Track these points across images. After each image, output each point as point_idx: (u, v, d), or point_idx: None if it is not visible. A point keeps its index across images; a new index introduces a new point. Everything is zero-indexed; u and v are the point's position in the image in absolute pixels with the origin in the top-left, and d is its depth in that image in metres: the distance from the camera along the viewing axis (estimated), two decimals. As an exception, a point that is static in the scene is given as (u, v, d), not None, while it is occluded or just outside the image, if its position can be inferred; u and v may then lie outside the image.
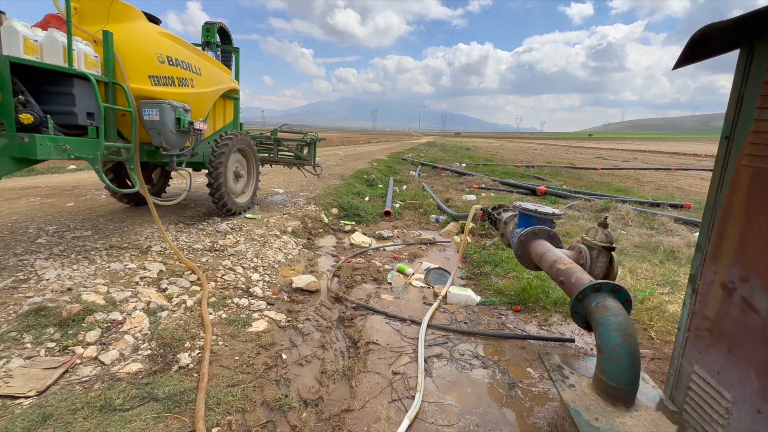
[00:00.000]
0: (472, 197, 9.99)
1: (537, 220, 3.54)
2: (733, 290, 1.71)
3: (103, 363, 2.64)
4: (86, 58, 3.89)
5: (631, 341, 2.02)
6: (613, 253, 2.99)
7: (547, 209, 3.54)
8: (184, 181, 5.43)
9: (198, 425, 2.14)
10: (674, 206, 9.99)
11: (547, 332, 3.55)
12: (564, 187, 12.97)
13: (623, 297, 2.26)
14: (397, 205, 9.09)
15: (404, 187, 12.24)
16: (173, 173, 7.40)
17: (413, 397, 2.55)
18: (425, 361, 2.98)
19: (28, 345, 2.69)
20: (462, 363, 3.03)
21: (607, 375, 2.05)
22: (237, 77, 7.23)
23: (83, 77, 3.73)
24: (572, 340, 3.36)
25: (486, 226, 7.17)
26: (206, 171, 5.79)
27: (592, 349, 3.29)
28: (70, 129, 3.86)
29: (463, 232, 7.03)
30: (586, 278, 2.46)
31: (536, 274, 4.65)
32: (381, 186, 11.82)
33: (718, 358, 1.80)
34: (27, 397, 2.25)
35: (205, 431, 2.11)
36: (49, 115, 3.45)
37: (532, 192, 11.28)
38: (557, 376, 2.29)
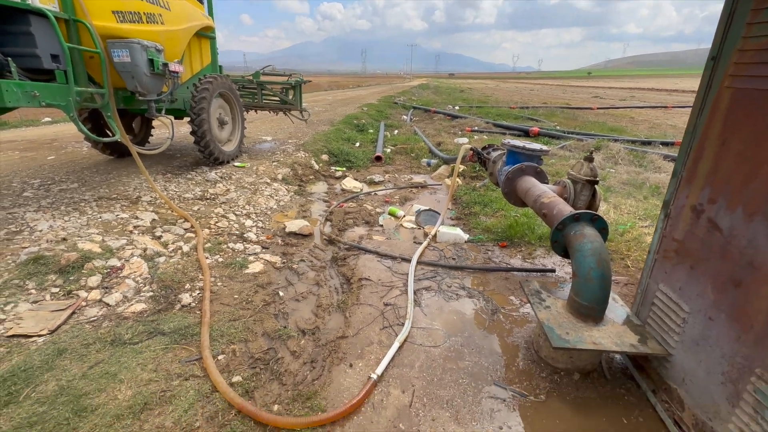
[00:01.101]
0: (464, 140, 9.85)
1: (524, 156, 3.55)
2: (702, 212, 1.80)
3: (108, 304, 2.77)
4: (40, -9, 3.54)
5: (604, 265, 2.16)
6: (596, 186, 3.06)
7: (535, 146, 3.54)
8: (167, 131, 5.26)
9: (204, 353, 2.32)
10: (665, 144, 9.98)
11: (530, 264, 3.74)
12: (558, 127, 12.79)
13: (600, 225, 2.37)
14: (389, 150, 8.97)
15: (395, 131, 11.98)
16: (155, 122, 7.13)
17: (403, 324, 2.75)
18: (414, 293, 3.17)
19: (33, 291, 2.80)
20: (449, 294, 3.23)
21: (580, 296, 2.22)
22: (211, 14, 6.66)
23: (40, 14, 3.43)
24: (553, 270, 3.57)
25: (477, 169, 7.18)
26: (188, 118, 5.58)
27: (571, 278, 3.51)
28: (36, 74, 3.63)
29: (453, 176, 7.06)
30: (567, 209, 2.55)
31: (523, 212, 4.78)
32: (372, 131, 11.55)
33: (682, 275, 1.95)
34: (40, 336, 2.39)
35: (212, 358, 2.29)
36: (10, 58, 3.23)
37: (525, 133, 11.13)
38: (535, 299, 2.48)
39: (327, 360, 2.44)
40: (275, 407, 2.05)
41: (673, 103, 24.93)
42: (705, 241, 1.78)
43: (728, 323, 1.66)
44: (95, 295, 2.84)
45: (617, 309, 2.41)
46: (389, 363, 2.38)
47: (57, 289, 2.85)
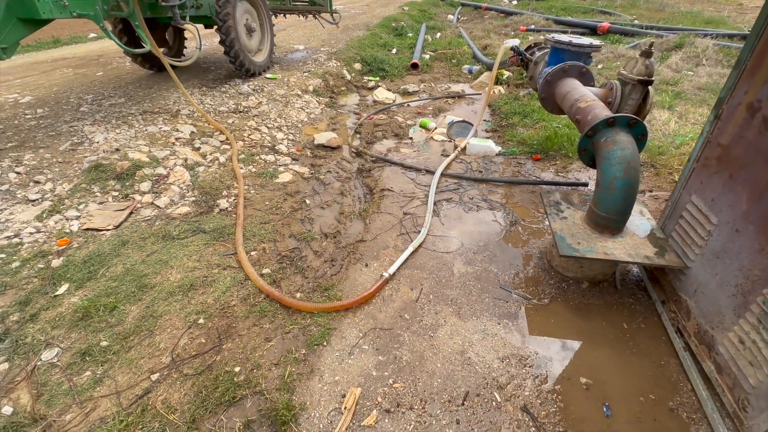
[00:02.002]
0: (515, 42, 8.66)
1: (570, 54, 3.10)
2: (758, 110, 1.53)
3: (158, 206, 3.14)
4: None
5: (631, 175, 1.99)
6: (650, 87, 2.66)
7: (584, 40, 3.05)
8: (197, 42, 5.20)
9: (239, 249, 2.64)
10: (774, 37, 8.05)
11: (562, 178, 3.55)
12: (635, 21, 10.71)
13: (639, 131, 2.12)
14: (427, 56, 8.23)
15: (438, 35, 10.79)
16: (187, 33, 7.02)
17: (419, 232, 2.86)
18: (435, 203, 3.21)
19: (98, 194, 3.23)
20: (470, 205, 3.23)
21: (599, 206, 2.12)
22: None
23: None
24: (585, 184, 3.36)
25: (524, 75, 6.44)
26: (215, 26, 5.41)
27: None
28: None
29: (497, 83, 6.43)
30: (603, 114, 2.29)
31: (566, 122, 4.37)
32: (411, 35, 10.51)
33: (717, 185, 1.76)
34: (107, 230, 2.83)
35: (245, 253, 2.61)
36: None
37: (592, 31, 9.51)
38: (552, 210, 2.41)
39: (345, 260, 2.66)
40: (298, 295, 2.36)
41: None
42: (753, 145, 1.55)
43: (755, 235, 1.53)
44: (148, 198, 3.22)
45: (643, 222, 2.29)
46: (402, 265, 2.55)
47: (117, 193, 3.25)
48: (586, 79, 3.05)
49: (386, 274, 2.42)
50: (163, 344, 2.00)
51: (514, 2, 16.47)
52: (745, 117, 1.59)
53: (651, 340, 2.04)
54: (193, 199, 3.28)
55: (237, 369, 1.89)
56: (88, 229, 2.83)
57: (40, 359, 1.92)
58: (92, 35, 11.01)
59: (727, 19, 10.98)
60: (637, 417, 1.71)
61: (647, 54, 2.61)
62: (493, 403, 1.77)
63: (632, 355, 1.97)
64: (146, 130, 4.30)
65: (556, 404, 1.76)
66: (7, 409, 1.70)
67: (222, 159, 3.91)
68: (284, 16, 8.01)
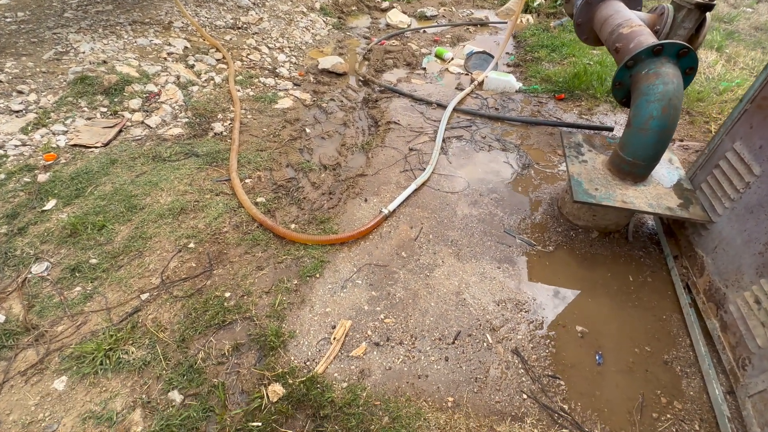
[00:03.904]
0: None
1: (618, -30, 2.62)
2: None
3: (149, 126, 2.95)
4: None
5: (670, 114, 1.74)
6: (707, 14, 2.27)
7: (639, -49, 2.55)
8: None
9: (232, 175, 2.50)
10: None
11: (586, 121, 3.24)
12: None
13: (688, 64, 1.82)
14: (450, -24, 7.26)
15: (465, -50, 9.46)
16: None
17: (424, 169, 2.68)
18: (444, 140, 2.98)
19: (85, 109, 3.02)
20: (481, 144, 2.99)
21: (626, 149, 1.91)
22: None
23: None
24: (611, 129, 3.08)
25: (558, 3, 5.71)
26: None
27: (630, 140, 3.03)
28: None
29: (527, 12, 5.74)
30: (648, 42, 1.96)
31: (599, 59, 3.92)
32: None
33: (771, 130, 1.52)
34: (96, 147, 2.68)
35: (239, 180, 2.47)
36: None
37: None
38: (572, 152, 2.19)
39: (344, 193, 2.53)
40: (292, 226, 2.26)
41: None
42: (829, 82, 1.29)
43: (804, 188, 1.34)
44: (138, 117, 3.01)
45: (670, 171, 2.08)
46: (403, 202, 2.42)
47: (105, 109, 3.04)
48: (633, 3, 2.62)
49: (385, 211, 2.30)
50: (153, 265, 1.96)
51: None
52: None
53: (655, 294, 1.96)
54: (186, 120, 3.07)
55: (227, 294, 1.86)
56: (75, 145, 2.68)
57: (30, 272, 1.90)
58: (77, -69, 9.79)
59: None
60: (629, 367, 1.68)
61: (713, -29, 2.18)
62: (484, 344, 1.74)
63: (634, 308, 1.90)
64: (136, 42, 3.94)
65: (548, 349, 1.73)
66: (0, 317, 1.71)
67: (218, 79, 3.61)
68: None
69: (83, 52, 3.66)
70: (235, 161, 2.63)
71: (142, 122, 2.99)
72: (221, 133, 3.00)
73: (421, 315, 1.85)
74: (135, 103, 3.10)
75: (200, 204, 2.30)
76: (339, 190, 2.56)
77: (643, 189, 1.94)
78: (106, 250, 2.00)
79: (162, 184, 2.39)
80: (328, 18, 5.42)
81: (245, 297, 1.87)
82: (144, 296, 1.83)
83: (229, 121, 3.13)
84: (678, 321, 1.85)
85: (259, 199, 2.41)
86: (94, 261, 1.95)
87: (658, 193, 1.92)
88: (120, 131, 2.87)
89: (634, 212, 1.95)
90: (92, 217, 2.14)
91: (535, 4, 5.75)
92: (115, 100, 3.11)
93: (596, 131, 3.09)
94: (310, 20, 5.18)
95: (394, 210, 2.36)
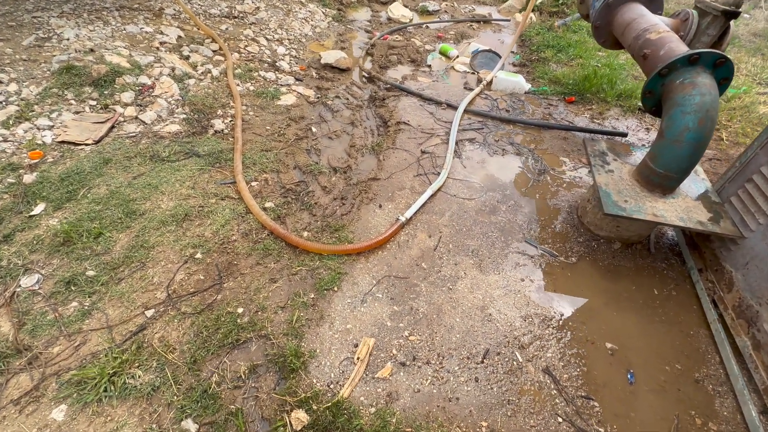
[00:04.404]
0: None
1: (640, -28, 2.56)
2: None
3: (144, 122, 2.75)
4: None
5: (707, 126, 1.69)
6: (732, 22, 2.23)
7: (663, -46, 2.49)
8: None
9: (238, 177, 2.34)
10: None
11: (598, 125, 3.20)
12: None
13: (723, 74, 1.77)
14: (450, -30, 7.12)
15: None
16: None
17: (439, 174, 2.58)
18: (456, 143, 2.89)
19: (73, 101, 2.79)
20: (495, 148, 2.91)
21: (658, 161, 1.85)
22: None
23: None
24: (624, 134, 3.04)
25: (559, 2, 5.65)
26: None
27: (644, 145, 3.00)
28: None
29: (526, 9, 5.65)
30: (681, 49, 1.90)
31: (606, 62, 3.88)
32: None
33: (815, 147, 1.49)
34: (86, 145, 2.48)
35: (245, 183, 2.32)
36: None
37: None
38: (597, 161, 2.13)
39: (357, 198, 2.41)
40: (305, 233, 2.14)
41: None
42: None
43: None
44: (131, 111, 2.80)
45: (696, 182, 2.05)
46: (419, 209, 2.32)
47: (94, 102, 2.82)
48: (655, 6, 2.57)
49: (402, 218, 2.20)
50: (157, 278, 1.81)
51: None
52: None
53: (681, 308, 1.93)
54: (184, 116, 2.88)
55: (240, 310, 1.74)
56: (63, 142, 2.47)
57: (19, 285, 1.72)
58: None
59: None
60: (661, 386, 1.65)
61: (741, -23, 2.13)
62: (514, 363, 1.68)
63: (660, 323, 1.87)
64: (125, 29, 3.68)
65: (579, 368, 1.68)
66: (-14, 338, 1.54)
67: (215, 72, 3.41)
68: None
69: (67, 39, 3.40)
70: (240, 162, 2.47)
71: (136, 117, 2.79)
72: (222, 130, 2.83)
73: (447, 332, 1.77)
74: (127, 96, 2.88)
75: (205, 209, 2.14)
76: (351, 195, 2.44)
77: (673, 201, 1.89)
78: (105, 260, 1.84)
79: (162, 187, 2.22)
80: (328, 9, 5.22)
81: (259, 313, 1.74)
82: (149, 313, 1.68)
83: (230, 118, 2.95)
84: (705, 337, 1.82)
85: (267, 204, 2.27)
86: (91, 273, 1.78)
87: (687, 206, 1.88)
88: (112, 127, 2.66)
89: (659, 224, 1.90)
90: (87, 223, 1.96)
91: (538, 2, 5.68)
92: (105, 92, 2.89)
93: (610, 136, 3.05)
94: (309, 11, 4.98)
95: (411, 217, 2.26)
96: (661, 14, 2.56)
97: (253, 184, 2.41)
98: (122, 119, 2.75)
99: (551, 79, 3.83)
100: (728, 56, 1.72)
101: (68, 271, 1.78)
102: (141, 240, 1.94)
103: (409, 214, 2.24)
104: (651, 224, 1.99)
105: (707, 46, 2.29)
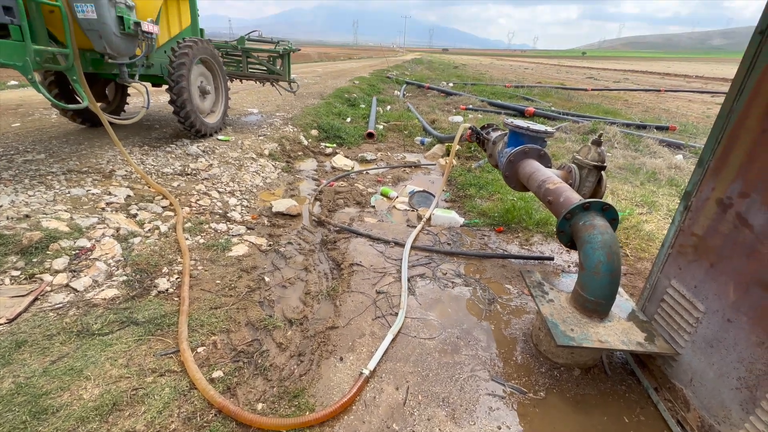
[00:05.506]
0: (459, 119, 9.54)
1: (528, 138, 3.35)
2: (729, 206, 1.65)
3: (75, 290, 2.53)
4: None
5: (614, 259, 2.02)
6: (603, 172, 2.91)
7: (539, 127, 3.33)
8: (143, 98, 4.85)
9: (182, 345, 2.14)
10: (660, 128, 9.90)
11: (527, 251, 3.62)
12: (553, 108, 12.54)
13: (611, 216, 2.22)
14: (381, 127, 8.63)
15: (388, 107, 11.56)
16: (131, 89, 6.63)
17: (397, 314, 2.61)
18: (408, 280, 3.02)
19: (-10, 274, 2.53)
20: (444, 281, 3.09)
21: (586, 290, 2.09)
22: (189, -31, 6.06)
23: (-14, -44, 2.97)
24: (551, 258, 3.45)
25: (472, 148, 6.97)
26: (167, 86, 5.15)
27: (569, 267, 3.41)
28: (-14, 28, 3.20)
29: (448, 155, 6.83)
30: (575, 197, 2.39)
31: (520, 196, 4.63)
32: (363, 106, 11.11)
33: (698, 272, 1.82)
34: (-3, 325, 2.16)
35: (190, 351, 2.11)
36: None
37: (521, 113, 10.87)
38: (537, 292, 2.35)
39: (315, 353, 2.28)
40: (259, 406, 1.90)
41: (665, 86, 24.83)
42: (730, 238, 1.64)
43: (750, 327, 1.55)
44: (61, 279, 2.59)
45: (622, 303, 2.30)
46: (382, 357, 2.24)
47: (18, 272, 2.59)
48: (545, 161, 3.28)
49: (366, 371, 2.09)
50: (63, 506, 1.41)
51: (451, 84, 18.64)
52: (717, 212, 1.70)
53: (654, 435, 1.92)
54: (124, 278, 2.72)
55: None
56: (-34, 326, 2.13)
57: None
58: (12, 82, 9.99)
59: (619, 111, 13.36)
60: None
61: (597, 143, 2.89)
62: None
63: (642, 457, 1.81)
64: (69, 192, 3.69)
65: None
66: None
67: (164, 228, 3.41)
68: (240, 81, 8.03)
69: (0, 206, 3.28)
70: (185, 326, 2.29)
71: (67, 285, 2.57)
72: (167, 290, 2.68)
73: None
74: (60, 262, 2.71)
75: (139, 393, 1.85)
76: (309, 350, 2.31)
77: (611, 325, 2.08)
78: (-11, 491, 1.42)
79: (88, 370, 1.92)
80: (277, 162, 5.82)
81: None
82: None
83: (176, 275, 2.85)
84: (687, 466, 1.79)
85: (215, 374, 2.04)
86: None
87: (624, 328, 2.07)
88: (35, 300, 2.40)
89: (608, 349, 2.03)
90: (-25, 436, 1.57)
91: (455, 147, 6.93)
92: (34, 260, 2.69)
93: (540, 261, 3.43)
94: (260, 165, 5.49)
95: (375, 368, 2.15)
96: (550, 167, 3.26)
97: (200, 350, 2.19)
98: (49, 289, 2.51)
99: (480, 212, 4.41)
100: (610, 203, 2.19)
101: None
102: (48, 449, 1.56)
103: (372, 365, 2.14)
104: (599, 349, 2.12)
105: (591, 191, 2.90)
